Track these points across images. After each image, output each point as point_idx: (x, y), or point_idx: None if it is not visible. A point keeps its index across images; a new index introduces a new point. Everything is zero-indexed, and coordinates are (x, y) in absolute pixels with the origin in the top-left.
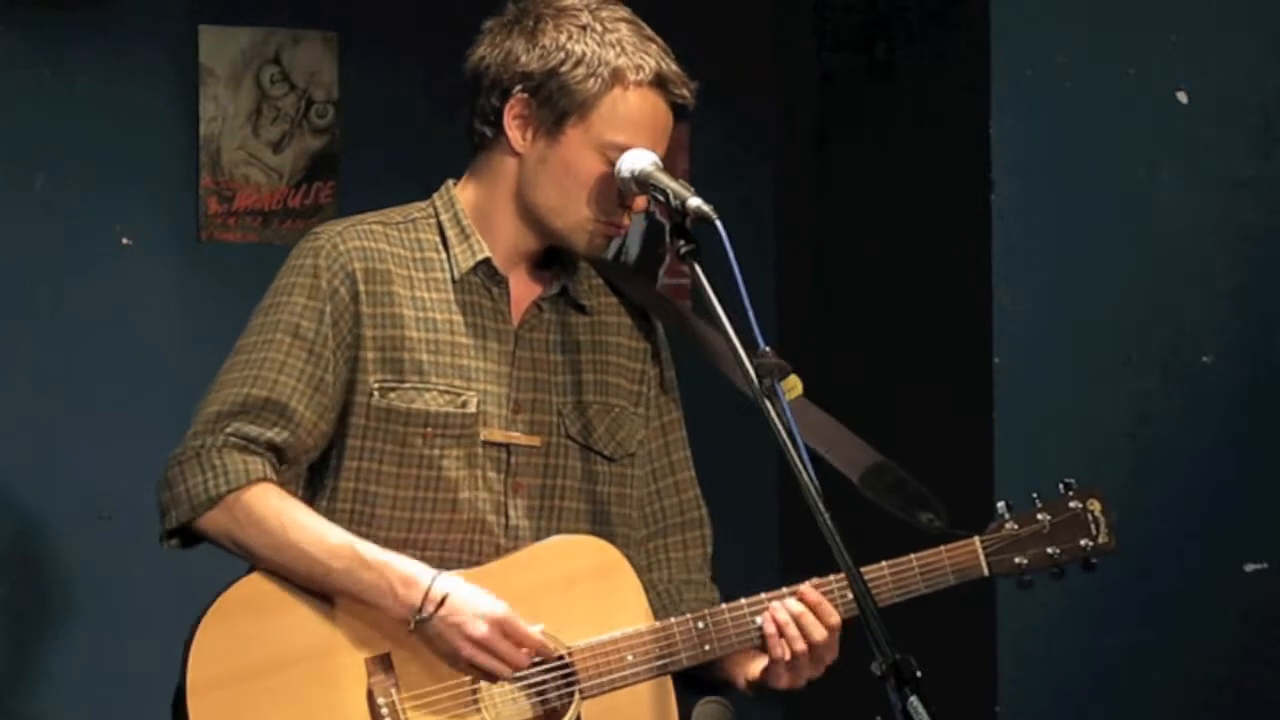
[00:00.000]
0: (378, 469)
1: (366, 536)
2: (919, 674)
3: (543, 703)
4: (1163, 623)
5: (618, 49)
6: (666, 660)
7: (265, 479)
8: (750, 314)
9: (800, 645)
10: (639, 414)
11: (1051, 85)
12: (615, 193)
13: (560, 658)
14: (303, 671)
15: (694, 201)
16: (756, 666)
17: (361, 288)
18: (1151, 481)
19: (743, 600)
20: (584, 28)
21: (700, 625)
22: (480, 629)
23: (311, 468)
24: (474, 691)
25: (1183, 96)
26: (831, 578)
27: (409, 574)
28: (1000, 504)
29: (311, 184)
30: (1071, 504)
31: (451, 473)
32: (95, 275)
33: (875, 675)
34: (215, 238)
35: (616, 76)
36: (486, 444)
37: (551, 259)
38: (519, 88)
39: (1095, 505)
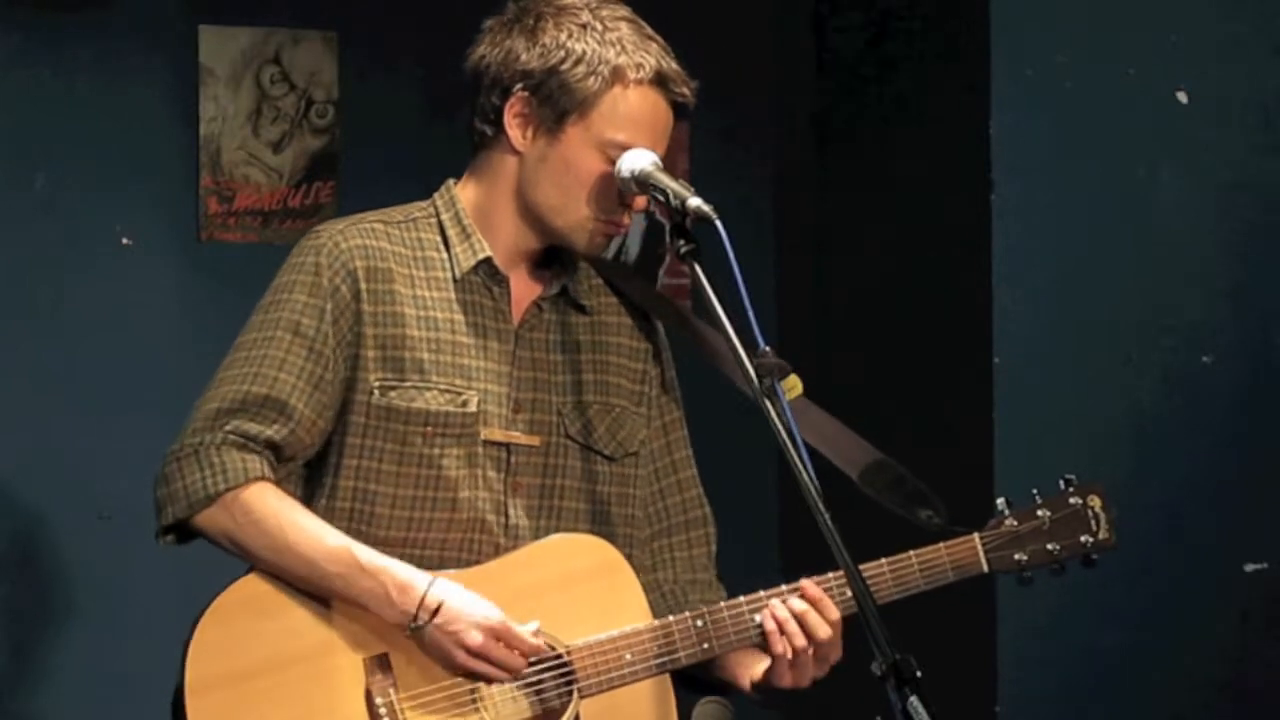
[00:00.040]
0: (378, 468)
1: (366, 535)
2: (919, 674)
3: (541, 702)
4: (1163, 622)
5: (618, 47)
6: (665, 659)
7: (263, 478)
8: (750, 314)
9: (800, 641)
10: (641, 414)
11: (1051, 85)
12: (615, 191)
13: (559, 657)
14: (301, 672)
15: (694, 201)
16: (760, 667)
17: (363, 286)
18: (1151, 481)
19: (742, 598)
20: (584, 26)
21: (699, 623)
22: (475, 638)
23: (309, 465)
24: (472, 691)
25: (1183, 96)
26: (830, 575)
27: (404, 580)
28: (1000, 500)
29: (311, 184)
30: (1072, 500)
31: (451, 472)
32: (95, 275)
33: (875, 675)
34: (215, 238)
35: (617, 75)
36: (487, 443)
37: (551, 259)
38: (519, 86)
39: (1095, 501)
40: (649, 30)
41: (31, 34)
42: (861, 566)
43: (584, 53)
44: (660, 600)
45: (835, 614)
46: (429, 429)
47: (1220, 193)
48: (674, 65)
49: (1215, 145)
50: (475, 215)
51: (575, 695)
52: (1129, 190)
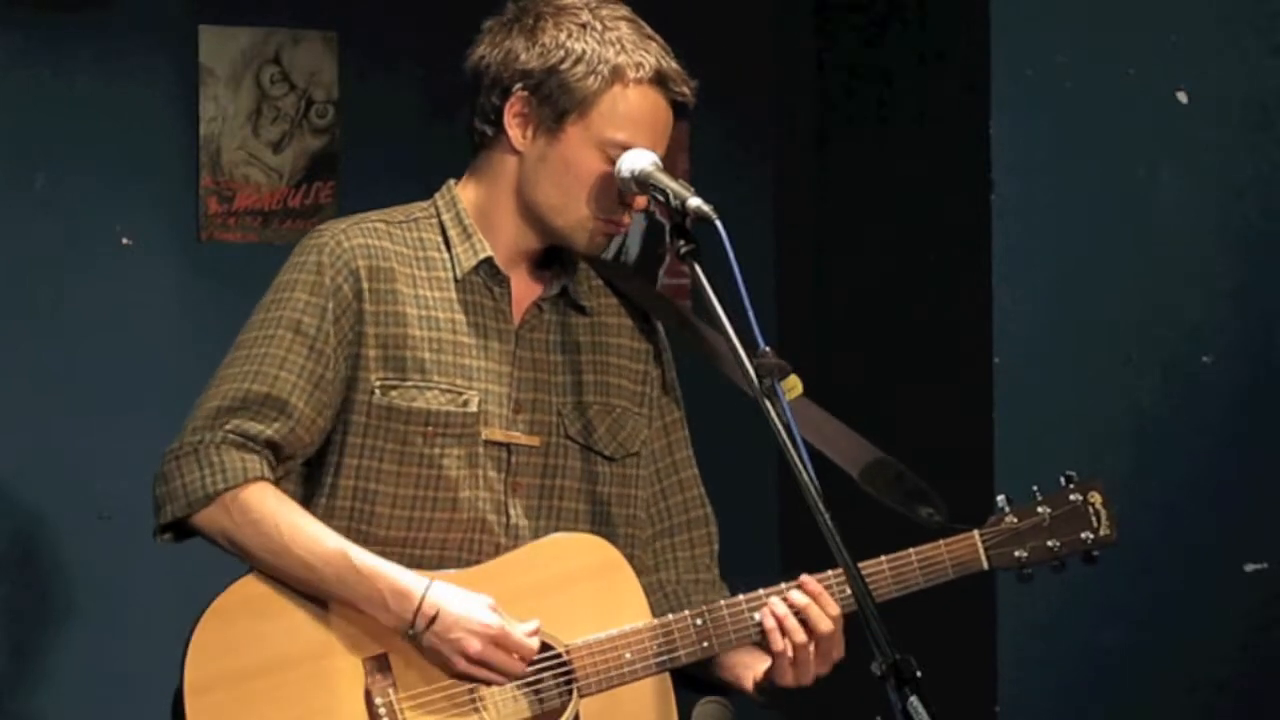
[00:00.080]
0: (378, 467)
1: (366, 534)
2: (919, 674)
3: (541, 701)
4: (1163, 622)
5: (618, 47)
6: (665, 657)
7: (263, 478)
8: (750, 314)
9: (800, 637)
10: (642, 414)
11: (1051, 85)
12: (615, 191)
13: (558, 656)
14: (300, 672)
15: (694, 201)
16: (761, 667)
17: (365, 285)
18: (1151, 481)
19: (741, 596)
20: (584, 26)
21: (699, 622)
22: (474, 645)
23: (309, 464)
24: (471, 691)
25: (1183, 96)
26: (830, 573)
27: (400, 585)
28: (1000, 497)
29: (311, 184)
30: (1072, 496)
31: (452, 472)
32: (95, 275)
33: (875, 675)
34: (215, 238)
35: (616, 74)
36: (487, 443)
37: (551, 259)
38: (519, 86)
39: (1096, 497)
40: (648, 30)
41: (31, 34)
42: (861, 564)
43: (584, 52)
44: (663, 600)
45: (835, 609)
46: (430, 429)
47: (1220, 193)
48: (674, 65)
49: (1215, 145)
50: (476, 215)
51: (575, 694)
52: (1129, 190)
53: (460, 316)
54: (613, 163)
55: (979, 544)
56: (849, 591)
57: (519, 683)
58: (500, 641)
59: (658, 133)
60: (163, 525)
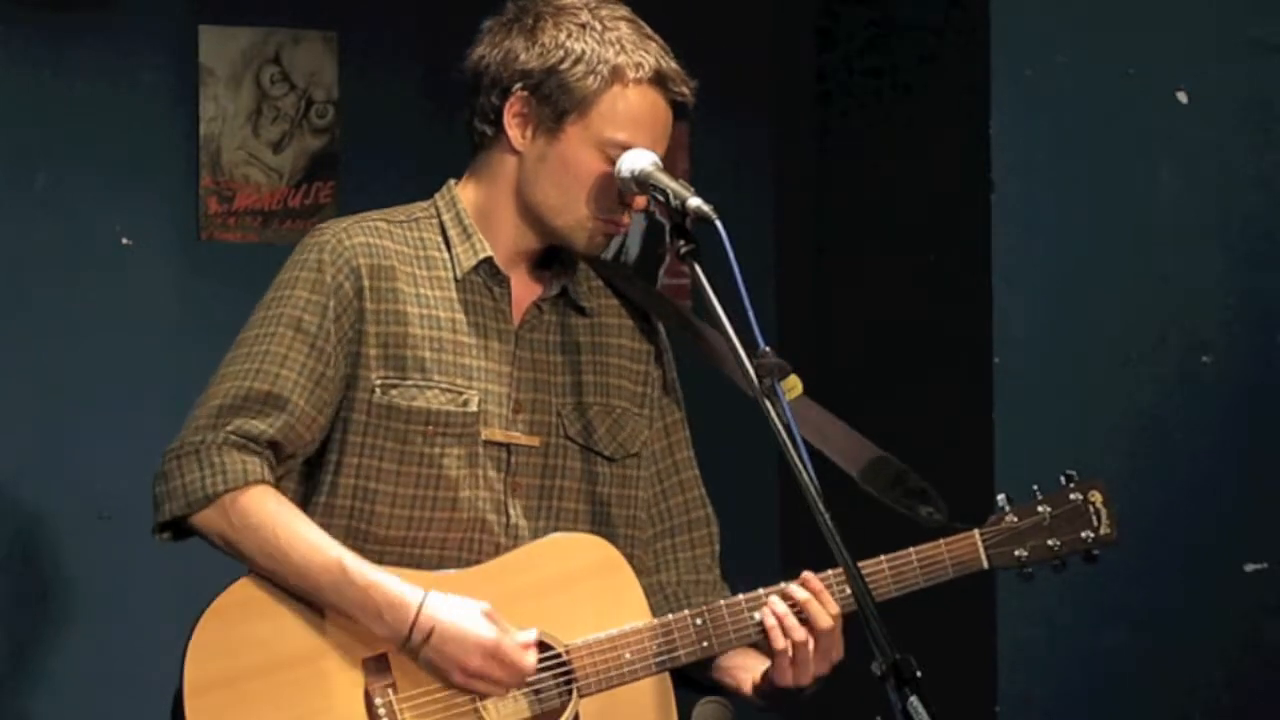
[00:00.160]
0: (378, 466)
1: (366, 533)
2: (919, 674)
3: (540, 701)
4: (1163, 622)
5: (617, 47)
6: (665, 657)
7: (263, 481)
8: (750, 314)
9: (800, 635)
10: (643, 415)
11: (1051, 85)
12: (615, 191)
13: (558, 656)
14: (300, 673)
15: (694, 201)
16: (760, 669)
17: (366, 283)
18: (1151, 481)
19: (740, 596)
20: (583, 26)
21: (698, 622)
22: (473, 661)
23: (308, 462)
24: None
25: (1183, 96)
26: (830, 573)
27: (396, 597)
28: (1000, 497)
29: (311, 184)
30: (1072, 496)
31: (452, 471)
32: (95, 275)
33: (875, 675)
34: (215, 238)
35: (616, 74)
36: (487, 443)
37: (551, 259)
38: (519, 86)
39: (1096, 497)
40: (648, 30)
41: (31, 34)
42: (861, 564)
43: (583, 52)
44: (663, 602)
45: (836, 607)
46: (430, 428)
47: (1220, 193)
48: (673, 64)
49: (1215, 145)
50: (476, 215)
51: (575, 694)
52: (1129, 190)
53: (460, 316)
54: (612, 163)
55: (979, 543)
56: (849, 591)
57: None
58: (496, 655)
59: (657, 133)
60: (161, 524)
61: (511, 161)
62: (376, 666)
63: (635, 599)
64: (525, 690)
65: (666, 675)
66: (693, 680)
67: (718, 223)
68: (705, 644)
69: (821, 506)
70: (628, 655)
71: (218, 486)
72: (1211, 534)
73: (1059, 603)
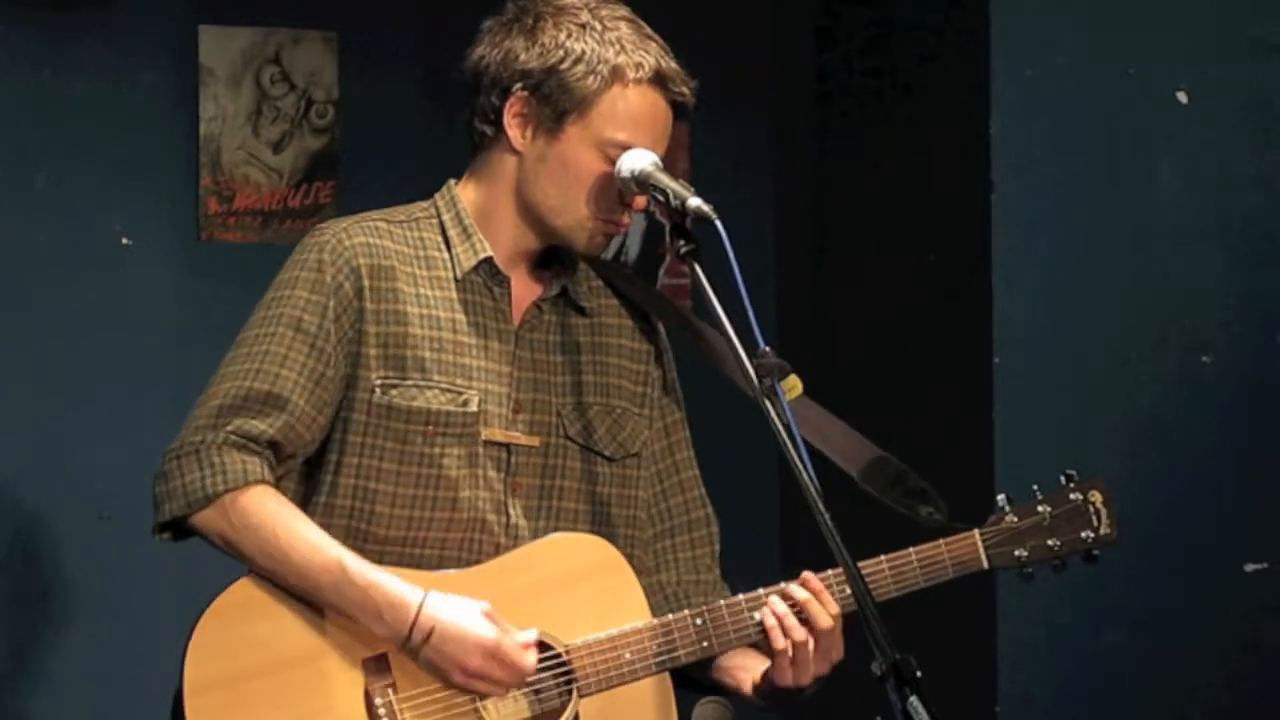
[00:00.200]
0: (378, 466)
1: (366, 533)
2: (919, 674)
3: (540, 701)
4: (1163, 622)
5: (617, 47)
6: (665, 657)
7: (263, 481)
8: (750, 314)
9: (800, 635)
10: (643, 415)
11: (1051, 85)
12: (615, 191)
13: (558, 656)
14: (300, 672)
15: (694, 201)
16: (760, 669)
17: (366, 283)
18: (1151, 481)
19: (740, 596)
20: (583, 26)
21: (698, 622)
22: (473, 662)
23: (308, 462)
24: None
25: (1183, 96)
26: (830, 573)
27: (395, 597)
28: (1000, 497)
29: (311, 184)
30: (1072, 496)
31: (452, 471)
32: (95, 275)
33: (875, 675)
34: (215, 238)
35: (616, 74)
36: (487, 443)
37: (551, 259)
38: (518, 86)
39: (1097, 497)
40: (648, 30)
41: (31, 34)
42: (860, 564)
43: (583, 52)
44: (663, 602)
45: (835, 607)
46: (430, 428)
47: (1220, 193)
48: (673, 65)
49: (1215, 145)
50: (476, 215)
51: (575, 694)
52: (1129, 190)
53: (460, 316)
54: (612, 163)
55: (979, 543)
56: (849, 591)
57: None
58: (496, 655)
59: (657, 133)
60: (161, 524)
61: (511, 161)
62: (376, 666)
63: (635, 599)
64: (525, 690)
65: (666, 675)
66: (692, 680)
67: (718, 223)
68: (705, 644)
69: (821, 506)
70: (628, 655)
71: (218, 486)
72: (1211, 534)
73: (1059, 603)
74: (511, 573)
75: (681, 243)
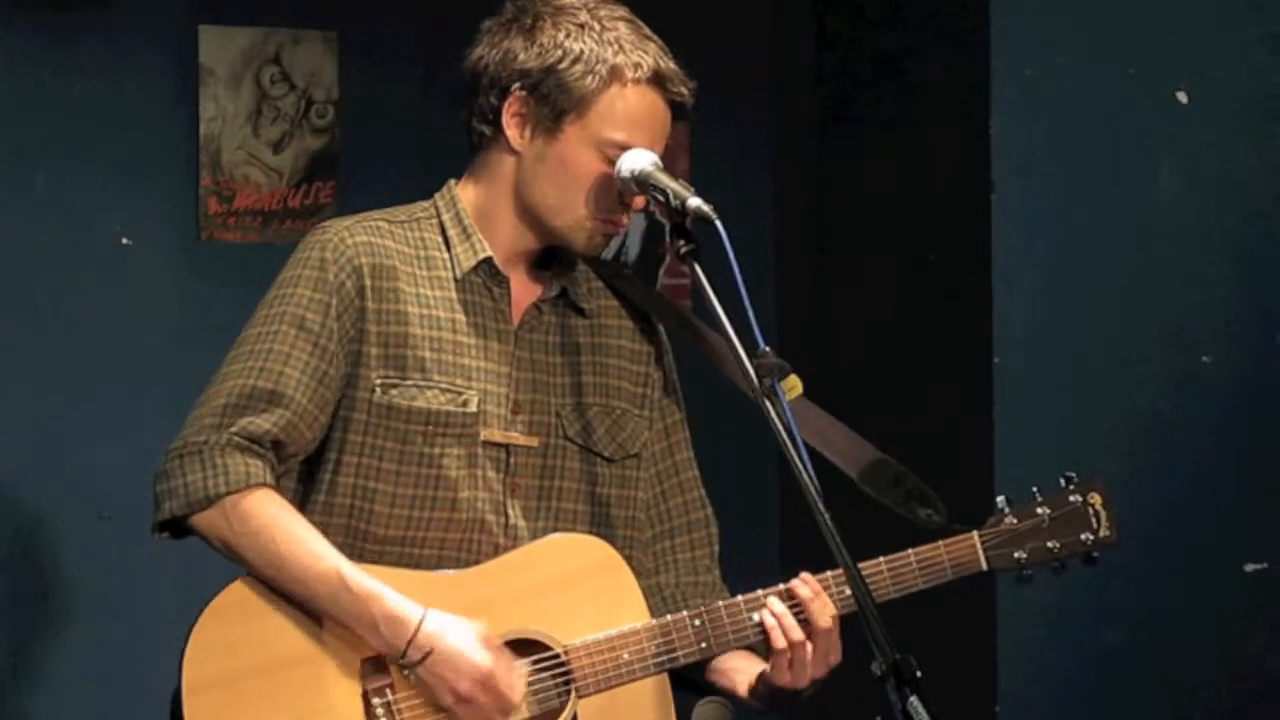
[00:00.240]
0: (378, 466)
1: (365, 533)
2: (919, 674)
3: (539, 702)
4: (1163, 623)
5: (616, 47)
6: (663, 658)
7: (265, 484)
8: (750, 314)
9: (798, 635)
10: (643, 416)
11: (1051, 85)
12: (614, 191)
13: (556, 656)
14: (298, 672)
15: (694, 201)
16: (756, 670)
17: (368, 282)
18: (1151, 481)
19: (739, 597)
20: (582, 26)
21: (697, 623)
22: (464, 686)
23: (307, 460)
24: None
25: (1183, 96)
26: (829, 574)
27: (395, 612)
28: (1000, 498)
29: (311, 184)
30: (1072, 498)
31: (451, 472)
32: (95, 275)
33: (875, 675)
34: (215, 238)
35: (615, 74)
36: (486, 444)
37: (550, 260)
38: (517, 85)
39: (1096, 499)
40: (647, 30)
41: (31, 34)
42: (860, 565)
43: (582, 52)
44: (662, 604)
45: (833, 608)
46: (429, 428)
47: (1220, 193)
48: (672, 65)
49: (1215, 145)
50: (476, 215)
51: (573, 695)
52: (1129, 190)
53: (460, 316)
54: (611, 163)
55: (978, 545)
56: (848, 592)
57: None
58: (488, 684)
59: (656, 133)
60: (160, 523)
61: (510, 161)
62: (374, 667)
63: (634, 600)
64: (524, 690)
65: (665, 676)
66: (688, 682)
67: (718, 223)
68: (704, 645)
69: (821, 507)
70: (626, 656)
71: (219, 488)
72: (1211, 534)
73: (1059, 603)
74: (510, 573)
75: (681, 243)
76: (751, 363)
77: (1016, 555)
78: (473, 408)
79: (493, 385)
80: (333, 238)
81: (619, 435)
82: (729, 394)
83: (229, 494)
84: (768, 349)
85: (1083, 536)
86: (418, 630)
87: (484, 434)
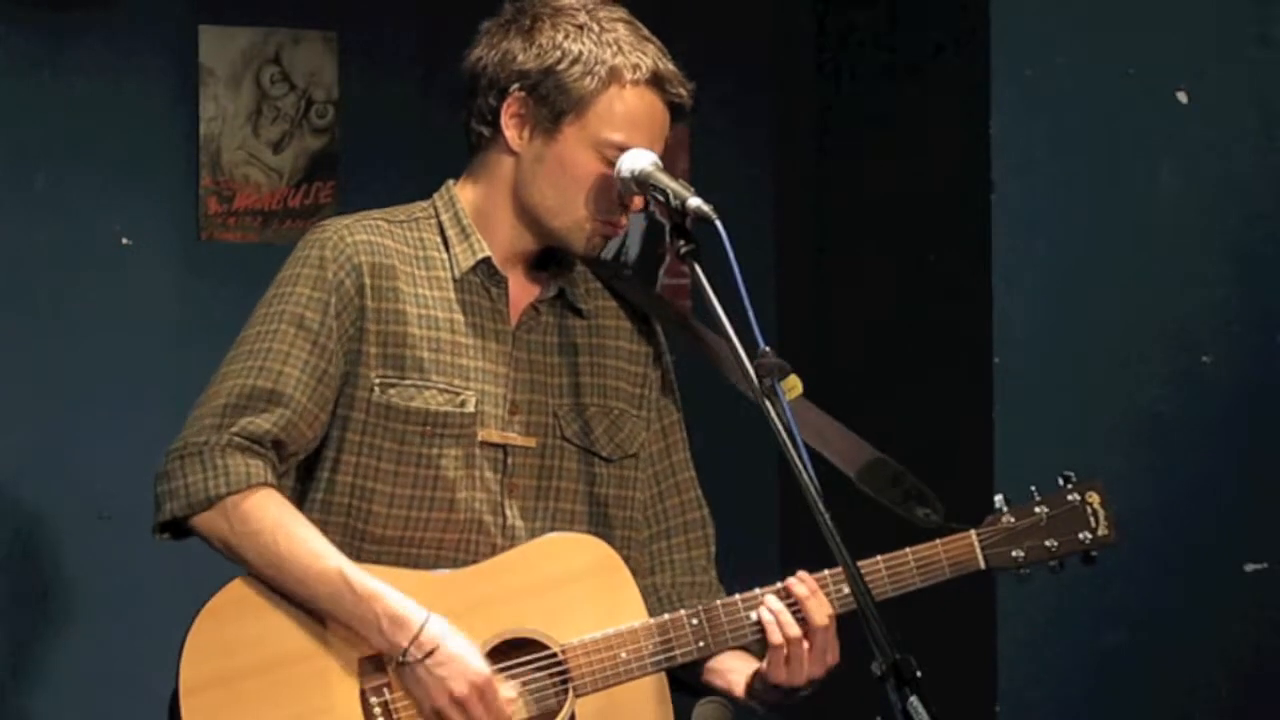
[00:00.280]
0: (376, 465)
1: (363, 533)
2: (919, 674)
3: (537, 701)
4: (1162, 623)
5: (615, 48)
6: (661, 657)
7: (266, 484)
8: (750, 314)
9: (795, 631)
10: (641, 416)
11: (1051, 85)
12: (612, 192)
13: (554, 656)
14: (296, 671)
15: (694, 201)
16: (752, 668)
17: (367, 281)
18: (1151, 481)
19: (737, 596)
20: (581, 27)
21: (695, 622)
22: (461, 689)
23: (306, 458)
24: None
25: (1183, 96)
26: (827, 573)
27: (397, 613)
28: (998, 497)
29: (311, 184)
30: (1070, 497)
31: (449, 472)
32: (95, 275)
33: (875, 675)
34: (215, 238)
35: (613, 75)
36: (483, 444)
37: (548, 261)
38: (516, 86)
39: (1094, 498)
40: (646, 32)
41: (31, 34)
42: (858, 563)
43: (581, 53)
44: (657, 605)
45: (829, 607)
46: (427, 428)
47: (1220, 193)
48: (671, 66)
49: (1215, 145)
50: (474, 215)
51: (571, 694)
52: (1129, 190)
53: (458, 316)
54: (609, 164)
55: (975, 544)
56: (846, 591)
57: (515, 682)
58: (484, 693)
59: (654, 134)
60: (161, 523)
61: (509, 162)
62: (372, 666)
63: (632, 599)
64: (522, 689)
65: (663, 676)
66: (684, 684)
67: (718, 223)
68: (701, 644)
69: (821, 507)
70: (624, 655)
71: (220, 489)
72: (1211, 534)
73: (1059, 603)
74: (507, 572)
75: (681, 243)
76: (751, 363)
77: (1014, 554)
78: (470, 408)
79: (490, 385)
80: (332, 236)
81: (617, 435)
82: (729, 394)
83: (229, 495)
84: (768, 349)
85: (1081, 535)
86: (421, 631)
87: (481, 434)
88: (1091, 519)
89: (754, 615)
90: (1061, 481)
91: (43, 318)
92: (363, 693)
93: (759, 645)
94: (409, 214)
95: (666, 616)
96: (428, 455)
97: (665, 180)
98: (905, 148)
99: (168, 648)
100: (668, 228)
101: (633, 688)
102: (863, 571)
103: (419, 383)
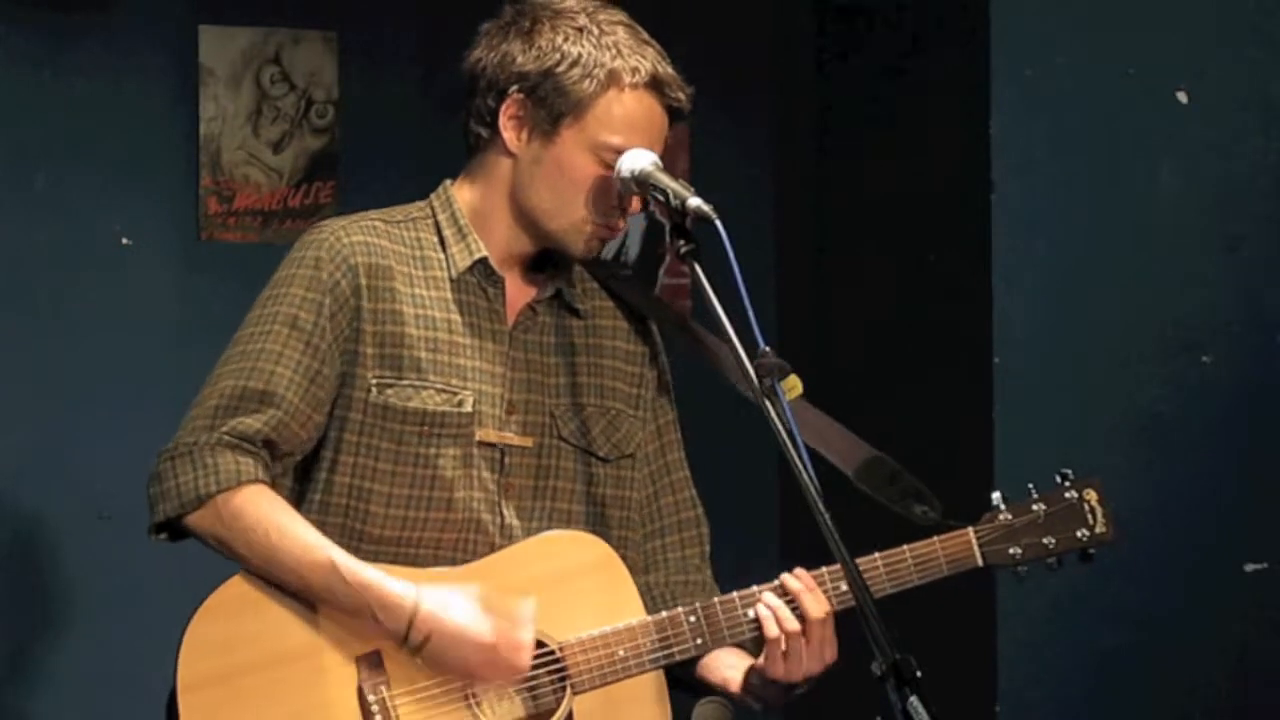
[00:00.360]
0: (374, 466)
1: (361, 533)
2: (919, 674)
3: (535, 699)
4: (1162, 623)
5: (614, 51)
6: (659, 654)
7: (257, 480)
8: (750, 314)
9: (793, 625)
10: (638, 416)
11: (1051, 85)
12: (610, 194)
13: (552, 653)
14: (293, 669)
15: (694, 201)
16: (747, 665)
17: (363, 282)
18: (1151, 481)
19: (734, 593)
20: (580, 30)
21: (693, 619)
22: (472, 658)
23: (304, 459)
24: (465, 687)
25: (1183, 96)
26: (825, 570)
27: (389, 599)
28: (996, 495)
29: (311, 184)
30: (1068, 494)
31: (447, 472)
32: (95, 275)
33: (875, 675)
34: (215, 238)
35: (612, 78)
36: (481, 444)
37: (545, 261)
38: (514, 88)
39: (1092, 496)
40: (645, 35)
41: (31, 34)
42: (855, 560)
43: (580, 56)
44: (651, 604)
45: (826, 603)
46: (425, 428)
47: (1220, 193)
48: (670, 70)
49: (1215, 145)
50: (471, 216)
51: (569, 691)
52: (1129, 190)
53: (455, 316)
54: (607, 166)
55: (973, 541)
56: (844, 588)
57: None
58: (492, 657)
59: (652, 137)
60: (156, 525)
61: (507, 164)
62: (370, 663)
63: (630, 596)
64: (519, 687)
65: (661, 673)
66: (680, 682)
67: (718, 223)
68: (699, 641)
69: (821, 506)
70: (622, 652)
71: (210, 487)
72: (1211, 534)
73: (1059, 602)
74: (505, 570)
75: (681, 243)
76: (751, 363)
77: (1011, 551)
78: (468, 408)
79: (487, 385)
80: (328, 237)
81: (614, 435)
82: (728, 394)
83: (219, 492)
84: (768, 349)
85: (1078, 533)
86: (415, 614)
87: (479, 434)
88: (1089, 517)
89: (751, 613)
90: (1059, 479)
91: (43, 318)
92: (360, 689)
93: (756, 643)
94: (406, 214)
95: (664, 614)
96: (425, 455)
97: (665, 180)
98: (905, 148)
99: (167, 648)
100: (668, 228)
101: (631, 685)
102: (861, 569)
103: (416, 383)
